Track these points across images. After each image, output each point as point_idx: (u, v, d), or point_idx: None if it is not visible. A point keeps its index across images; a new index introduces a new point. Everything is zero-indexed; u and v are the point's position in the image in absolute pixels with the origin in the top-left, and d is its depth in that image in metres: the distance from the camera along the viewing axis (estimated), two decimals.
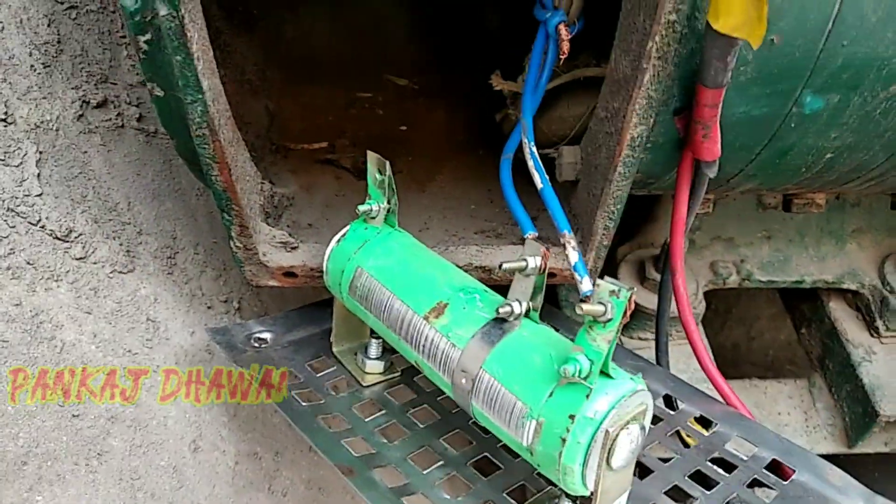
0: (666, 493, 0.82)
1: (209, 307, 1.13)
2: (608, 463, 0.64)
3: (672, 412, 0.96)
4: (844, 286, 1.32)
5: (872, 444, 1.34)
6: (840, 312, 1.35)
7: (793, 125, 0.86)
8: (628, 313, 0.61)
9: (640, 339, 1.27)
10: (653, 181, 0.98)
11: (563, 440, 0.63)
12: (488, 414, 0.70)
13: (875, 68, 0.81)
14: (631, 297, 0.61)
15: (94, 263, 0.94)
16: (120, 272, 0.98)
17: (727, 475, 0.85)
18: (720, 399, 1.00)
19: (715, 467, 0.87)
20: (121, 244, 0.99)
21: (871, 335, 1.33)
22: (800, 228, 1.32)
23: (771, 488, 0.84)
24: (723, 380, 1.04)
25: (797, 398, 1.38)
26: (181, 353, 1.04)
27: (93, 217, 0.97)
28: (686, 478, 0.84)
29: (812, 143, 0.89)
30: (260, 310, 1.23)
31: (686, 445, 0.92)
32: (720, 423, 0.93)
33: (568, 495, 0.73)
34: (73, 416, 0.85)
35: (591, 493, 0.66)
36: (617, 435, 0.63)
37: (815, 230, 1.32)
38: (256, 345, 0.98)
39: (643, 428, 0.66)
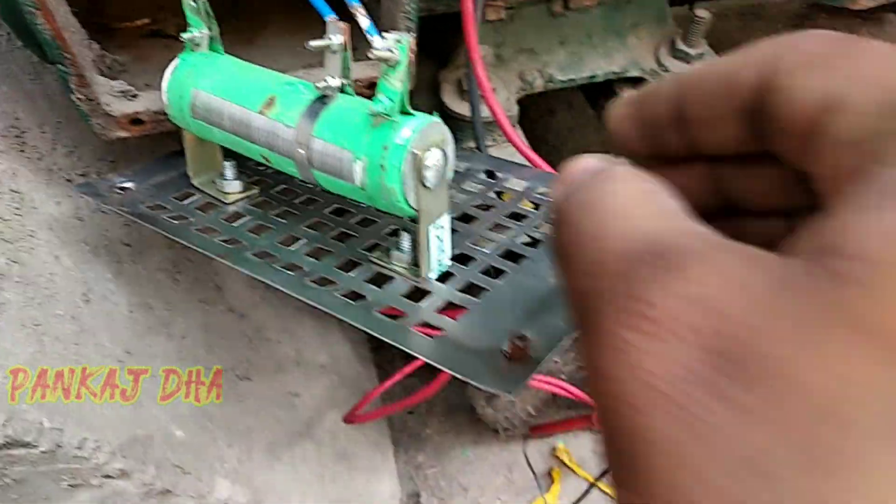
0: (489, 229, 1.02)
1: (68, 180, 1.20)
2: (422, 183, 0.81)
3: (493, 180, 1.15)
4: (630, 74, 1.55)
5: None
6: None
7: None
8: (412, 56, 0.78)
9: (468, 149, 1.46)
10: None
11: (382, 167, 0.79)
12: (327, 174, 0.86)
13: None
14: (412, 41, 0.77)
15: None
16: None
17: (536, 212, 1.06)
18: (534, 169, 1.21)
19: (527, 208, 1.08)
20: None
21: None
22: (588, 31, 1.53)
23: None
24: (535, 154, 1.25)
25: None
26: (52, 221, 1.12)
27: None
28: (504, 217, 1.04)
29: None
30: None
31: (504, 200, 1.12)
32: (531, 180, 1.14)
33: (405, 230, 0.91)
34: None
35: (417, 210, 0.83)
36: (423, 157, 0.80)
37: (601, 30, 1.53)
38: (121, 192, 1.07)
39: (445, 154, 0.83)
